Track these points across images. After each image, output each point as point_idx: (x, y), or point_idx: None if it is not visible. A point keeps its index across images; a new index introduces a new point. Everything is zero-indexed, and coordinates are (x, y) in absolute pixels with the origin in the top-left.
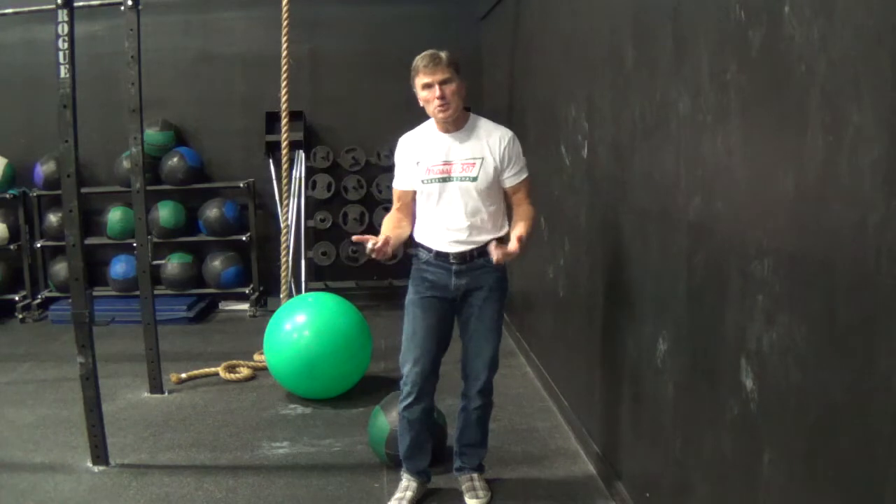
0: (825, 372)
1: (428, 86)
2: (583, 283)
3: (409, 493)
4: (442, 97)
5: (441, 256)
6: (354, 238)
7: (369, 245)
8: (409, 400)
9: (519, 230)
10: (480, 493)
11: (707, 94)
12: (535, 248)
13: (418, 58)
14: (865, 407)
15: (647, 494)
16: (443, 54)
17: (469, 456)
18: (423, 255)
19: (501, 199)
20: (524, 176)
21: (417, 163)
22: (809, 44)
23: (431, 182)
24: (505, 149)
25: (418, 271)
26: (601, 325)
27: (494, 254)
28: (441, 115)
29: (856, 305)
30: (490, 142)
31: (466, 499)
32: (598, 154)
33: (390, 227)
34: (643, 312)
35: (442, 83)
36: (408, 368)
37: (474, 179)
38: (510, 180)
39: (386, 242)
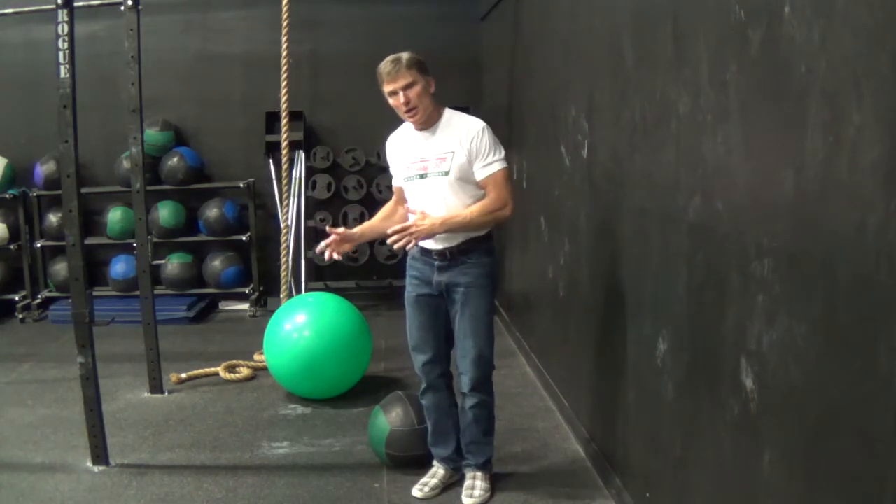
0: (825, 372)
1: (393, 93)
2: (583, 283)
3: (433, 480)
4: (407, 102)
5: (425, 252)
6: (318, 250)
7: (321, 245)
8: (422, 388)
9: (450, 212)
10: (476, 492)
11: (707, 93)
12: (535, 248)
13: (380, 65)
14: (865, 407)
15: (647, 494)
16: (404, 57)
17: (473, 454)
18: (412, 250)
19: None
20: (494, 169)
21: (400, 162)
22: (809, 44)
23: (411, 179)
24: (472, 140)
25: (409, 267)
26: (601, 325)
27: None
28: (411, 120)
29: (856, 305)
30: (460, 135)
31: (462, 497)
32: (598, 154)
33: (379, 217)
34: (643, 312)
35: (405, 88)
36: (414, 361)
37: (447, 174)
38: (479, 173)
39: (340, 240)
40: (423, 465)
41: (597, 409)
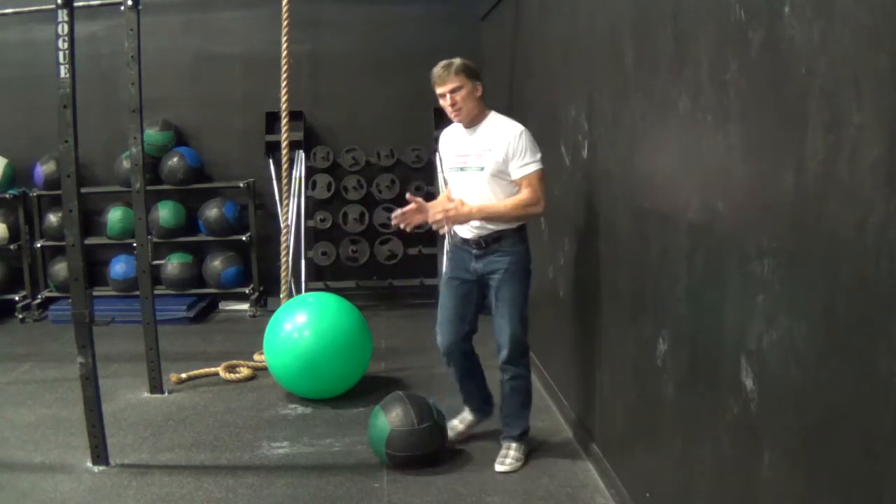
0: (825, 372)
1: (442, 95)
2: (583, 283)
3: (460, 426)
4: (453, 104)
5: (465, 241)
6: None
7: (396, 212)
8: (445, 361)
9: (484, 203)
10: (507, 461)
11: (707, 93)
12: (535, 248)
13: (434, 68)
14: (865, 407)
15: (648, 494)
16: (455, 62)
17: (509, 426)
18: (452, 238)
19: (514, 193)
20: (529, 171)
21: (448, 154)
22: (809, 44)
23: (452, 170)
24: (510, 142)
25: (448, 252)
26: (601, 325)
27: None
28: (456, 119)
29: (856, 305)
30: (500, 135)
31: (495, 464)
32: (598, 154)
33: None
34: (643, 312)
35: (452, 91)
36: (437, 336)
37: (482, 169)
38: (515, 172)
39: (414, 210)
40: (423, 465)
41: (596, 409)
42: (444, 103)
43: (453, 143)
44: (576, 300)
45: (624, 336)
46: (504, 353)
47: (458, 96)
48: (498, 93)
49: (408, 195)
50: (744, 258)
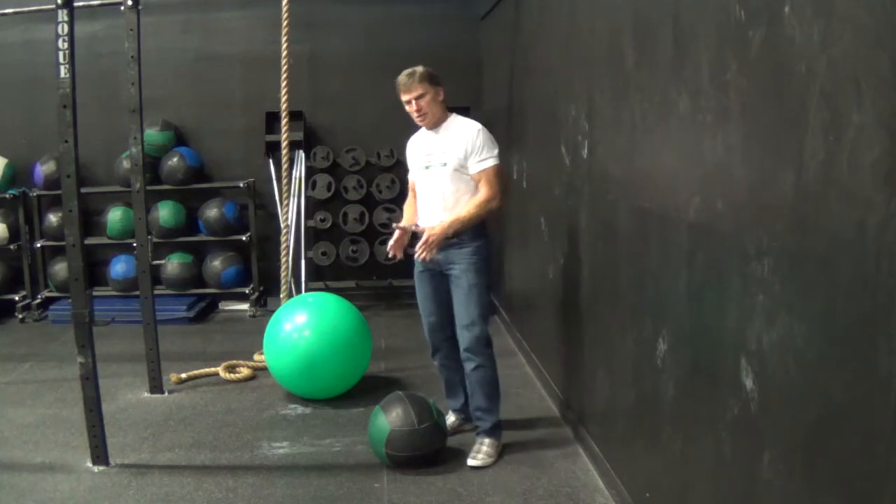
0: (825, 372)
1: (407, 101)
2: (583, 283)
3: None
4: (419, 110)
5: None
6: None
7: (392, 241)
8: (431, 351)
9: (448, 217)
10: (480, 455)
11: (707, 94)
12: (535, 248)
13: (399, 77)
14: (865, 407)
15: (648, 494)
16: (418, 71)
17: (480, 419)
18: (418, 234)
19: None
20: (486, 166)
21: (414, 156)
22: (809, 44)
23: (419, 170)
24: (468, 139)
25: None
26: (601, 325)
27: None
28: (422, 123)
29: (856, 305)
30: (460, 133)
31: (468, 459)
32: (597, 154)
33: (410, 212)
34: (643, 312)
35: (417, 98)
36: (423, 325)
37: (445, 165)
38: (473, 167)
39: (403, 235)
40: (423, 465)
41: (596, 409)
42: (410, 109)
43: (419, 146)
44: (575, 300)
45: (624, 336)
46: (464, 340)
47: (423, 102)
48: (498, 92)
49: (394, 224)
50: (744, 258)
